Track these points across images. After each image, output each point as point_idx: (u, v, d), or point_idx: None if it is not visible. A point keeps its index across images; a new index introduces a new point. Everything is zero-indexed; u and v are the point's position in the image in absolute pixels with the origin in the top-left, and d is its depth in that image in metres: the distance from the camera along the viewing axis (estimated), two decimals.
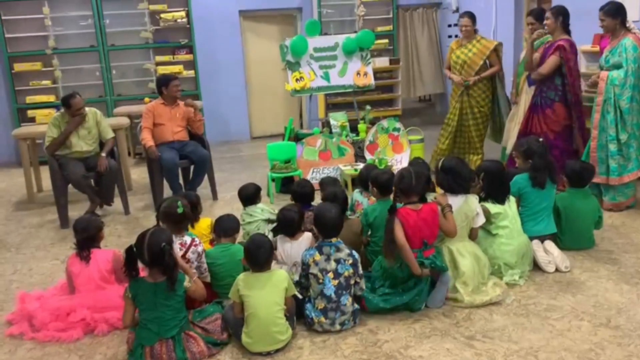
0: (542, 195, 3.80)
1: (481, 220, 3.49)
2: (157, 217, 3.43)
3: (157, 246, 2.75)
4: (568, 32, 4.86)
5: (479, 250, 3.48)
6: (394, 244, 3.11)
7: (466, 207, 3.42)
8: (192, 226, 3.58)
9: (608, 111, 4.52)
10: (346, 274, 3.02)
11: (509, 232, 3.57)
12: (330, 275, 3.00)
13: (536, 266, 3.66)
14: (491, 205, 3.60)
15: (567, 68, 4.77)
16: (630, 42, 4.41)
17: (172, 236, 2.97)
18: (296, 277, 3.20)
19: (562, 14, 4.80)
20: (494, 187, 3.66)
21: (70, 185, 5.21)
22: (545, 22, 4.89)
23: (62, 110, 5.25)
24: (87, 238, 3.41)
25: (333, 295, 2.99)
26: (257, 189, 4.12)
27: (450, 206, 3.34)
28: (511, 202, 3.69)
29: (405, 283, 3.18)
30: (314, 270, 3.02)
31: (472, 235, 3.53)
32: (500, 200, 3.64)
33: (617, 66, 4.46)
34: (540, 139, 4.05)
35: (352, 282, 3.06)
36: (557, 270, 3.62)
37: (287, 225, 3.39)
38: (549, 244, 3.73)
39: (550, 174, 3.80)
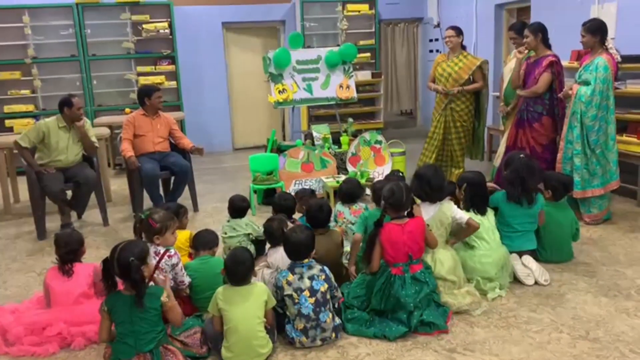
0: (519, 212, 3.79)
1: (462, 214, 3.52)
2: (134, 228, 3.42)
3: (126, 260, 2.69)
4: (549, 47, 4.93)
5: (456, 256, 3.51)
6: (371, 255, 3.21)
7: (440, 214, 3.48)
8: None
9: (575, 125, 4.58)
10: (322, 289, 3.00)
11: (487, 244, 3.60)
12: (306, 293, 2.97)
13: (516, 279, 3.68)
14: (470, 215, 3.63)
15: (557, 83, 4.82)
16: (603, 62, 4.45)
17: (148, 249, 2.89)
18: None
19: (541, 30, 4.86)
20: (477, 197, 3.70)
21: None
22: (525, 40, 4.92)
23: (57, 116, 5.15)
24: (70, 252, 3.35)
25: (312, 314, 2.95)
26: (248, 204, 4.14)
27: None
28: (489, 214, 3.73)
29: (385, 314, 3.18)
30: (288, 291, 2.98)
31: (469, 230, 3.54)
32: (482, 210, 3.68)
33: (587, 83, 4.52)
34: (522, 155, 3.97)
35: (329, 296, 3.04)
36: (536, 283, 3.65)
37: (273, 235, 3.44)
38: (527, 259, 3.74)
39: (523, 191, 3.77)
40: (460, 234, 3.61)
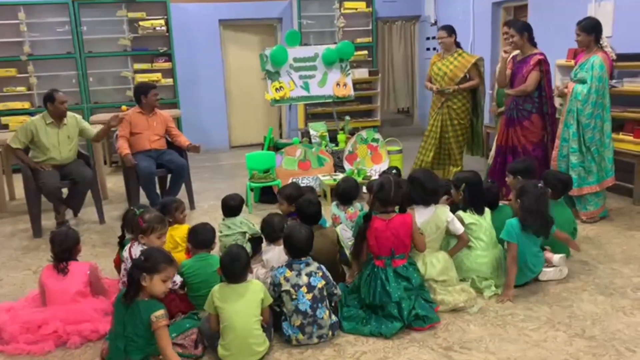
0: (534, 240, 3.55)
1: (459, 225, 3.49)
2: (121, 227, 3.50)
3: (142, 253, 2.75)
4: (535, 45, 4.93)
5: (448, 257, 3.48)
6: (360, 248, 3.31)
7: (435, 218, 3.45)
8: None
9: (571, 123, 4.59)
10: (319, 285, 2.99)
11: (484, 244, 3.59)
12: (304, 289, 2.96)
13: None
14: (466, 215, 3.62)
15: (546, 81, 4.84)
16: (599, 60, 4.46)
17: (170, 258, 2.83)
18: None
19: (526, 29, 4.85)
20: (476, 197, 3.68)
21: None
22: (511, 39, 4.90)
23: (43, 113, 5.14)
24: (65, 250, 3.34)
25: (309, 310, 2.95)
26: (242, 201, 4.12)
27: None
28: (486, 214, 3.71)
29: (374, 309, 3.19)
30: (286, 287, 2.98)
31: (460, 245, 3.54)
32: (480, 210, 3.66)
33: (583, 81, 4.53)
34: (540, 185, 3.60)
35: (326, 293, 3.04)
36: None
37: (274, 229, 3.45)
38: (558, 258, 3.68)
39: (540, 224, 3.47)
40: (452, 248, 3.57)
